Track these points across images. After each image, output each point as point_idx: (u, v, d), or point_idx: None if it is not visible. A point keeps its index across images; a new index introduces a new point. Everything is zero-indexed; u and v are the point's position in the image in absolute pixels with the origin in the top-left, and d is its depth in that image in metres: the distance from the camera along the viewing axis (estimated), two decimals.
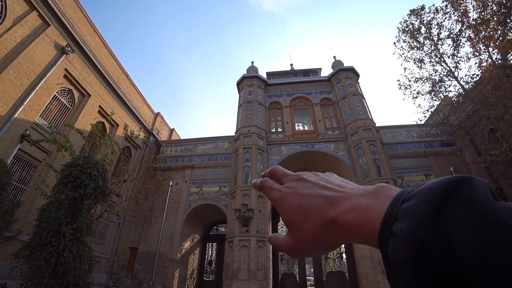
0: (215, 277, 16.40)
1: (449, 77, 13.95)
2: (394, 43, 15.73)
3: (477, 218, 0.24)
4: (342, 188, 0.38)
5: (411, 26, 14.95)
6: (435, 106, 15.28)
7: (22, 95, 10.14)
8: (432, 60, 14.47)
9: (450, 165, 15.30)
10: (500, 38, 11.49)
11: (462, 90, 13.57)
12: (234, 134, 16.99)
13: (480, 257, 0.22)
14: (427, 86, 14.72)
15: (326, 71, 20.78)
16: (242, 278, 11.41)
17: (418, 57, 14.98)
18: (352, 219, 0.33)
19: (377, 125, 16.03)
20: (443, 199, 0.26)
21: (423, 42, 14.72)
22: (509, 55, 11.53)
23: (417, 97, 14.98)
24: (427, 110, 14.96)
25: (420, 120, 15.23)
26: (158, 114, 20.74)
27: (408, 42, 15.19)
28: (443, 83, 14.16)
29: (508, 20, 11.36)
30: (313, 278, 15.01)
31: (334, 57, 20.55)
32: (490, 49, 12.19)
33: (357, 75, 18.58)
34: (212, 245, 17.73)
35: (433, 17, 14.19)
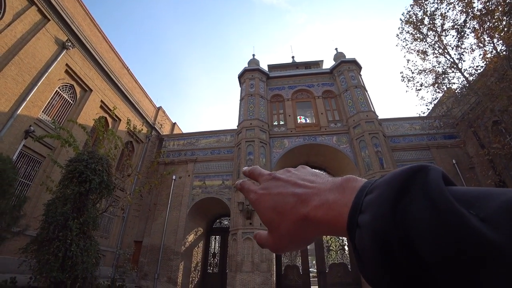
0: (219, 269, 16.63)
1: (452, 69, 13.80)
2: (397, 34, 15.54)
3: (428, 205, 0.25)
4: (312, 184, 0.39)
5: (414, 17, 14.73)
6: (438, 98, 15.16)
7: (24, 91, 10.15)
8: (436, 51, 14.30)
9: (452, 157, 15.28)
10: (505, 29, 11.31)
11: (465, 82, 13.44)
12: (236, 128, 17.00)
13: (433, 243, 0.23)
14: (430, 78, 14.59)
15: (328, 63, 20.63)
16: (246, 270, 11.57)
17: (421, 48, 14.80)
18: (322, 215, 0.34)
19: (379, 117, 15.97)
20: (401, 190, 0.27)
21: (427, 33, 14.52)
22: None
23: (420, 89, 14.85)
24: (430, 103, 14.87)
25: (423, 113, 15.18)
26: (159, 108, 20.73)
27: (411, 33, 14.99)
28: (446, 75, 14.01)
29: None
30: (315, 270, 15.18)
31: (336, 49, 20.36)
32: (495, 40, 12.02)
33: (359, 67, 18.43)
34: (215, 238, 17.92)
35: (437, 8, 13.95)
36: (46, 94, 11.26)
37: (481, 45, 12.56)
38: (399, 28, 15.40)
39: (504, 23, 11.47)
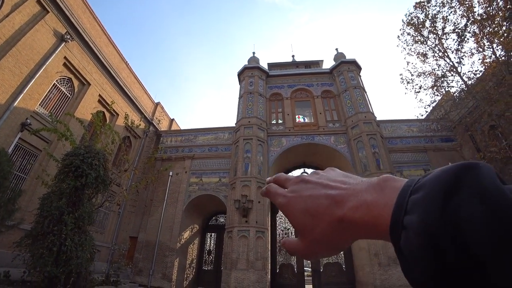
0: (214, 266, 16.65)
1: (452, 73, 13.86)
2: (398, 36, 15.57)
3: (487, 203, 0.24)
4: (345, 185, 0.38)
5: (416, 19, 14.76)
6: (437, 101, 15.24)
7: (22, 83, 10.05)
8: (436, 54, 14.35)
9: (449, 160, 15.34)
10: (505, 34, 11.37)
11: (464, 86, 13.50)
12: (234, 125, 16.96)
13: (494, 242, 0.22)
14: (429, 81, 14.65)
15: (328, 64, 20.61)
16: (241, 268, 11.59)
17: (421, 51, 14.86)
18: (360, 216, 0.33)
19: (377, 118, 16.01)
20: (450, 188, 0.26)
21: (427, 36, 14.56)
22: None
23: (419, 91, 14.91)
24: (429, 105, 14.94)
25: (421, 115, 15.25)
26: (158, 104, 20.63)
27: (412, 35, 15.03)
28: (445, 78, 14.07)
29: None
30: (310, 269, 15.24)
31: (337, 49, 20.35)
32: (494, 45, 12.08)
33: (359, 68, 18.43)
34: (211, 235, 17.93)
35: (439, 11, 13.99)
36: (44, 87, 11.16)
37: (481, 49, 12.62)
38: (400, 29, 15.46)
39: (504, 28, 11.53)
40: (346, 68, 17.92)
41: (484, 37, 12.25)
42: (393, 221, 0.29)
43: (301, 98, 18.32)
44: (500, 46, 11.73)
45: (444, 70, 14.07)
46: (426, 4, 14.37)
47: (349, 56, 19.45)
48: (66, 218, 5.61)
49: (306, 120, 18.54)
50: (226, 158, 16.52)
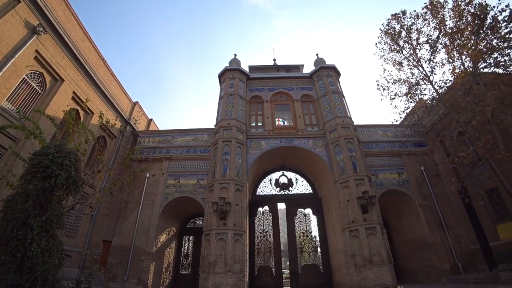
0: (192, 270, 16.35)
1: (424, 81, 14.58)
2: (376, 44, 16.17)
3: None
4: None
5: (392, 29, 15.41)
6: (411, 108, 15.95)
7: None
8: (410, 63, 15.05)
9: (421, 164, 16.14)
10: (473, 47, 12.15)
11: (435, 94, 14.24)
12: (214, 127, 16.79)
13: None
14: (404, 88, 15.31)
15: (308, 68, 20.96)
16: (219, 271, 11.44)
17: (397, 59, 15.51)
18: None
19: (355, 123, 16.48)
20: None
21: (403, 46, 15.25)
22: (479, 64, 12.22)
23: (394, 98, 15.53)
24: (403, 111, 15.59)
25: (396, 121, 15.88)
26: (136, 103, 20.03)
27: (389, 44, 15.67)
28: (419, 86, 14.78)
29: (481, 31, 12.03)
30: (288, 271, 15.33)
31: (317, 54, 20.77)
32: (463, 57, 12.86)
33: (338, 73, 18.91)
34: (188, 238, 17.60)
35: (413, 23, 14.72)
36: (12, 81, 10.48)
37: (451, 60, 13.38)
38: (378, 38, 16.07)
39: (472, 41, 12.31)
40: (326, 73, 18.33)
41: (454, 49, 13.00)
42: None
43: (281, 102, 18.50)
44: (468, 58, 12.50)
45: (418, 79, 14.78)
46: (401, 16, 15.07)
47: (329, 61, 19.93)
48: (32, 221, 5.25)
49: (286, 124, 18.74)
50: (205, 160, 16.32)
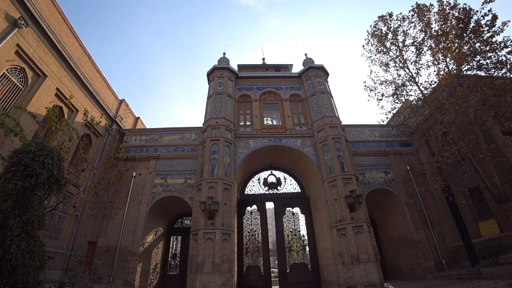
0: (179, 270, 16.15)
1: (410, 82, 14.89)
2: (363, 45, 16.39)
3: None
4: None
5: (379, 31, 15.66)
6: (397, 109, 16.29)
7: None
8: (397, 65, 15.33)
9: (407, 164, 16.50)
10: (457, 50, 12.50)
11: (421, 95, 14.58)
12: (202, 126, 16.63)
13: None
14: (390, 89, 15.60)
15: (297, 68, 21.08)
16: (207, 271, 11.34)
17: (384, 61, 15.77)
18: None
19: (342, 123, 16.68)
20: None
21: (389, 47, 15.51)
22: (463, 66, 12.58)
23: (381, 99, 15.80)
24: (390, 112, 15.87)
25: (383, 121, 16.14)
26: (122, 101, 19.62)
27: (376, 46, 15.91)
28: (405, 87, 15.09)
29: (465, 35, 12.38)
30: (277, 270, 15.37)
31: (306, 54, 20.91)
32: (448, 59, 13.19)
33: (326, 73, 19.08)
34: (176, 238, 17.38)
35: (400, 25, 14.99)
36: None
37: (436, 62, 13.71)
38: (365, 39, 16.28)
39: (456, 44, 12.65)
40: (314, 73, 18.46)
41: (439, 51, 13.33)
42: None
43: (270, 101, 18.52)
44: (452, 61, 12.84)
45: (404, 80, 15.08)
46: (388, 18, 15.33)
47: (317, 62, 20.09)
48: (11, 222, 5.03)
49: (274, 123, 18.78)
50: (193, 159, 16.16)
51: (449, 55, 12.91)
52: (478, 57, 12.28)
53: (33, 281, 5.16)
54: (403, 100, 15.49)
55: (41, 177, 5.63)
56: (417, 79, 14.67)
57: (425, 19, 13.90)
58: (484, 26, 11.97)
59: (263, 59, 23.10)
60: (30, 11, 11.14)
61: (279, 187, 17.27)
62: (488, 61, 12.09)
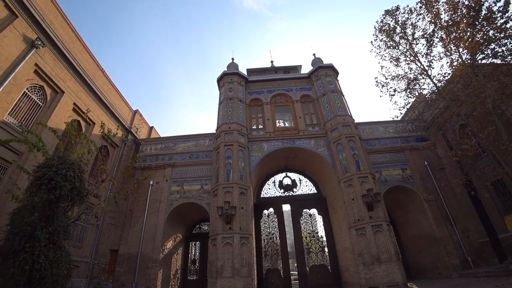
0: (199, 276, 16.29)
1: (423, 75, 14.55)
2: (371, 41, 16.18)
3: None
4: None
5: (387, 25, 15.42)
6: (410, 103, 15.91)
7: None
8: (407, 58, 15.02)
9: (424, 159, 16.08)
10: (469, 39, 12.14)
11: (435, 88, 14.21)
12: (215, 132, 16.83)
13: None
14: (402, 84, 15.27)
15: (306, 69, 21.05)
16: (227, 275, 11.40)
17: (394, 55, 15.49)
18: None
19: (355, 121, 16.47)
20: None
21: (399, 41, 15.23)
22: (477, 55, 12.19)
23: (393, 94, 15.49)
24: (403, 107, 15.53)
25: (397, 117, 15.80)
26: (136, 111, 20.13)
27: (385, 41, 15.66)
28: (417, 81, 14.75)
29: (477, 23, 12.01)
30: (296, 272, 15.26)
31: (314, 54, 20.83)
32: (460, 49, 12.83)
33: (336, 72, 18.94)
34: (195, 244, 17.57)
35: (408, 18, 14.72)
36: (13, 95, 10.56)
37: (448, 53, 13.36)
38: (373, 35, 16.06)
39: (468, 34, 12.29)
40: (324, 72, 18.36)
41: (451, 42, 12.99)
42: None
43: (281, 103, 18.54)
44: (466, 50, 12.48)
45: (416, 73, 14.75)
46: (395, 11, 15.08)
47: (326, 61, 19.99)
48: (39, 233, 5.28)
49: (287, 125, 18.78)
50: (207, 165, 16.35)
51: (461, 45, 12.56)
52: (492, 45, 11.85)
53: None
54: (417, 94, 15.14)
55: (64, 189, 5.88)
56: (429, 72, 14.32)
57: (434, 10, 13.59)
58: (496, 13, 11.58)
59: (272, 62, 23.18)
60: (45, 31, 11.67)
61: (294, 189, 17.20)
62: (504, 48, 11.65)
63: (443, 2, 13.42)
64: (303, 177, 17.71)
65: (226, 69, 19.52)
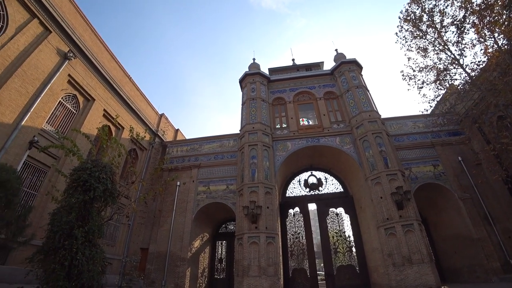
0: (226, 274, 16.53)
1: (454, 65, 13.68)
2: (396, 33, 15.48)
3: None
4: None
5: (412, 14, 14.69)
6: (441, 95, 15.02)
7: (28, 102, 10.26)
8: (436, 48, 14.21)
9: (458, 154, 15.13)
10: (506, 23, 11.23)
11: (468, 78, 13.31)
12: (239, 132, 17.01)
13: None
14: (432, 75, 14.46)
15: (329, 65, 20.65)
16: (253, 274, 11.48)
17: (421, 46, 14.71)
18: None
19: (382, 116, 15.89)
20: None
21: (426, 31, 14.45)
22: None
23: (422, 87, 14.70)
24: (433, 100, 14.70)
25: (426, 110, 15.01)
26: (162, 115, 20.84)
27: (411, 31, 14.93)
28: (448, 72, 13.89)
29: None
30: (323, 273, 15.00)
31: (336, 50, 20.38)
32: (496, 34, 11.91)
33: (360, 67, 18.40)
34: (221, 243, 17.85)
35: (435, 4, 13.92)
36: (50, 105, 11.38)
37: (482, 40, 12.45)
38: (398, 26, 15.37)
39: (504, 17, 11.37)
40: (347, 68, 17.91)
41: (485, 27, 12.09)
42: None
43: (304, 101, 18.33)
44: (502, 35, 11.57)
45: (446, 63, 13.89)
46: None
47: (349, 56, 19.47)
48: (76, 232, 5.62)
49: (310, 123, 18.53)
50: (232, 165, 16.55)
51: (496, 29, 11.63)
52: None
53: (97, 285, 5.69)
54: (447, 85, 14.24)
55: (98, 191, 6.22)
56: (461, 61, 13.43)
57: None
58: None
59: (293, 60, 23.00)
60: (76, 44, 12.46)
61: (320, 188, 16.93)
62: None
63: None
64: (328, 175, 17.38)
65: (248, 70, 19.65)
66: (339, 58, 19.38)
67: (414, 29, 14.71)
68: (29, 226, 7.71)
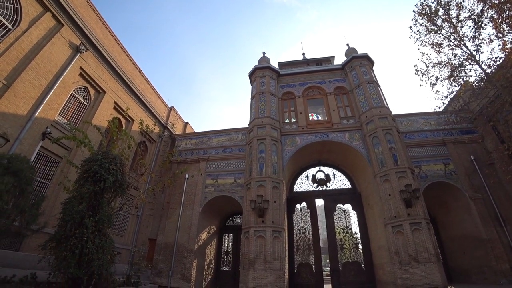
0: (232, 267, 16.74)
1: (469, 61, 13.26)
2: (410, 27, 15.08)
3: None
4: None
5: (427, 8, 14.27)
6: (455, 92, 14.62)
7: (41, 94, 10.50)
8: (451, 43, 13.79)
9: (470, 153, 14.77)
10: None
11: (483, 75, 12.90)
12: (247, 126, 17.02)
13: None
14: (445, 71, 14.06)
15: (339, 59, 20.37)
16: (259, 268, 11.59)
17: (436, 41, 14.30)
18: None
19: (393, 113, 15.63)
20: None
21: (441, 25, 14.02)
22: None
23: (435, 83, 14.33)
24: (446, 97, 14.32)
25: (439, 107, 14.66)
26: (171, 108, 21.02)
27: (425, 25, 14.52)
28: (463, 68, 13.48)
29: None
30: (329, 268, 15.02)
31: (347, 44, 20.03)
32: None
33: (371, 62, 18.06)
34: (228, 236, 18.04)
35: None
36: (62, 97, 11.61)
37: (500, 35, 12.01)
38: (412, 20, 14.96)
39: None
40: (358, 63, 17.61)
41: (504, 22, 11.65)
42: None
43: (314, 96, 18.16)
44: None
45: (461, 59, 13.48)
46: None
47: (360, 50, 19.14)
48: (86, 221, 5.80)
49: (320, 118, 18.38)
50: (241, 159, 16.61)
51: None
52: None
53: (106, 273, 5.88)
54: (462, 82, 13.84)
55: (108, 182, 6.37)
56: (477, 57, 13.01)
57: None
58: None
59: (303, 54, 22.74)
60: (88, 37, 12.62)
61: (328, 184, 16.85)
62: None
63: None
64: (337, 171, 17.26)
65: (257, 64, 19.55)
66: (350, 52, 19.06)
67: (429, 23, 14.29)
68: (42, 215, 7.97)
